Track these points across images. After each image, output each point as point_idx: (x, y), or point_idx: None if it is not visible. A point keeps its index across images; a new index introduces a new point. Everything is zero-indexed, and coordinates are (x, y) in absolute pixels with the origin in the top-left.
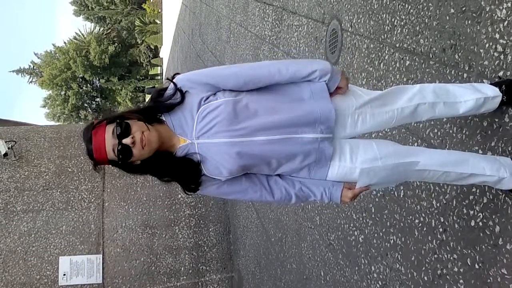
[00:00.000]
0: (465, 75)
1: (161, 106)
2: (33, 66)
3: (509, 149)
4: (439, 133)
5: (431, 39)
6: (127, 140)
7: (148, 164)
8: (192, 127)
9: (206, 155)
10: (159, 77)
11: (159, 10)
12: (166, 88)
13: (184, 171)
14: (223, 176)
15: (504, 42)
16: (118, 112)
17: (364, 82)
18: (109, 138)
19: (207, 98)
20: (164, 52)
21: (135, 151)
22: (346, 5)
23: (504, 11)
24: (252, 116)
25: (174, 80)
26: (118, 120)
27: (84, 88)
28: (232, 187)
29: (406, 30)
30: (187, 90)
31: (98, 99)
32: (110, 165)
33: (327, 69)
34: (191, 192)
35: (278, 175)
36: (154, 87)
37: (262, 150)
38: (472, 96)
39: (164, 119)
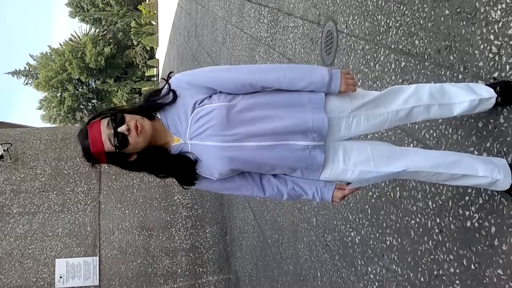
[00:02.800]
0: (460, 76)
1: (152, 105)
2: (29, 68)
3: (504, 150)
4: (434, 134)
5: (426, 40)
6: (122, 128)
7: (144, 160)
8: (186, 128)
9: (199, 156)
10: (155, 79)
11: (155, 12)
12: (161, 89)
13: (180, 168)
14: (214, 177)
15: (499, 43)
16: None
17: (359, 84)
18: (104, 129)
19: (202, 101)
20: (160, 54)
21: (130, 139)
22: (342, 7)
23: (498, 12)
24: (244, 123)
25: (170, 80)
26: (112, 111)
27: (80, 89)
28: (224, 184)
29: (401, 31)
30: (180, 93)
31: (94, 101)
32: (108, 165)
33: (323, 82)
34: (188, 187)
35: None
36: None
37: (253, 156)
38: (467, 97)
39: (159, 117)
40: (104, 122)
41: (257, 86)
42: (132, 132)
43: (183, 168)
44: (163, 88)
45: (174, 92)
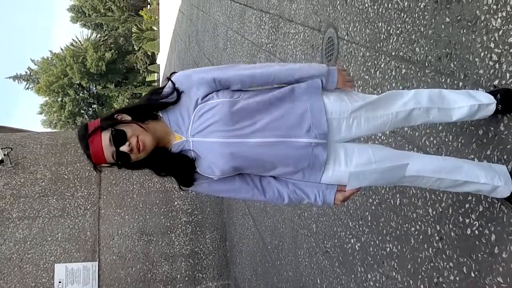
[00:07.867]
0: (460, 83)
1: (155, 104)
2: (30, 73)
3: (505, 157)
4: (435, 141)
5: (426, 48)
6: (124, 148)
7: (145, 160)
8: (188, 125)
9: (200, 153)
10: (156, 84)
11: (156, 17)
12: (163, 87)
13: (179, 167)
14: (215, 175)
15: (499, 51)
16: (111, 113)
17: (360, 90)
18: (106, 146)
19: (204, 97)
20: (161, 59)
21: (132, 155)
22: (343, 14)
23: (499, 20)
24: (247, 118)
25: (172, 78)
26: (113, 129)
27: (80, 94)
28: (225, 185)
29: (402, 39)
30: (183, 91)
31: (94, 106)
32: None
33: (322, 74)
34: (186, 187)
35: (273, 176)
36: None
37: (255, 153)
38: (467, 103)
39: (160, 115)
40: (106, 138)
41: (258, 81)
42: (134, 151)
43: (182, 167)
44: (165, 86)
45: (177, 91)
